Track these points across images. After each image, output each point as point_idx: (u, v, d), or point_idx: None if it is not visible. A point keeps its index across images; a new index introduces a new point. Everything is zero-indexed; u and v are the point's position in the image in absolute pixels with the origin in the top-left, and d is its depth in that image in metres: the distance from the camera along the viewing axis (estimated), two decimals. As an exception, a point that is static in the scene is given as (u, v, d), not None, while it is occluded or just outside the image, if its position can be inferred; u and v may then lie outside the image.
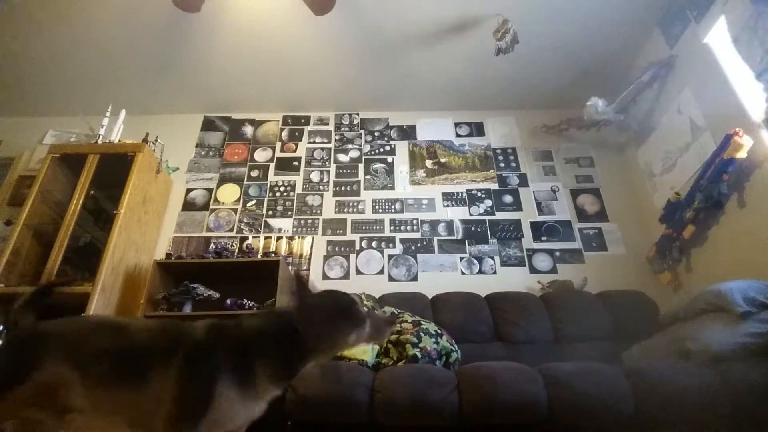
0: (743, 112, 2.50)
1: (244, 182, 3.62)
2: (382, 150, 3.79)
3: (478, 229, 3.37)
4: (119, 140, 3.26)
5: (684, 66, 2.99)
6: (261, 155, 3.77)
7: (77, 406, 1.19)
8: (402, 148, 3.80)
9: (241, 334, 1.19)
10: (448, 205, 3.49)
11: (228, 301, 2.79)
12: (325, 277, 3.15)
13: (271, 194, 3.55)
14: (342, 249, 3.29)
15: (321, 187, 3.59)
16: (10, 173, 3.53)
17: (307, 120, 3.95)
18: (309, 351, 1.19)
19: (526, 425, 1.77)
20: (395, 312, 2.57)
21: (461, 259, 3.25)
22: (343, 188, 3.58)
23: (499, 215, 3.44)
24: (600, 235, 3.34)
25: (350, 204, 3.50)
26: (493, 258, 3.25)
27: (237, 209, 3.48)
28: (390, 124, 3.93)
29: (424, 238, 3.34)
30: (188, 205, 3.52)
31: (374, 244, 3.32)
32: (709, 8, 2.74)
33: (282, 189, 3.58)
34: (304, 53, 3.34)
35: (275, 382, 1.17)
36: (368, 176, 3.65)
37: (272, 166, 3.70)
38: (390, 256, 3.26)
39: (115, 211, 2.87)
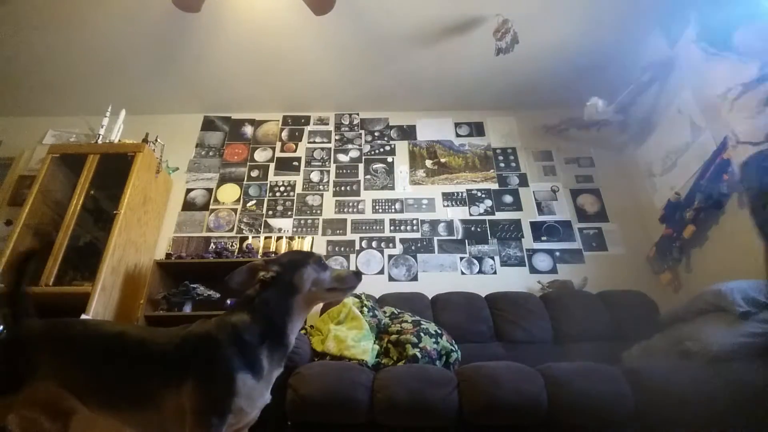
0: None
1: (244, 182, 3.62)
2: (382, 150, 3.79)
3: (478, 229, 3.37)
4: (119, 140, 3.26)
5: (684, 66, 2.99)
6: (261, 155, 3.77)
7: (80, 410, 1.20)
8: (402, 148, 3.80)
9: (235, 325, 1.22)
10: (448, 205, 3.49)
11: (228, 301, 2.79)
12: (325, 277, 3.15)
13: (271, 194, 3.55)
14: (342, 249, 3.29)
15: (321, 187, 3.59)
16: (10, 173, 3.53)
17: (307, 120, 3.95)
18: (288, 308, 1.27)
19: (526, 425, 1.78)
20: (395, 311, 2.57)
21: (461, 259, 3.25)
22: (343, 188, 3.58)
23: (499, 215, 3.44)
24: (600, 235, 3.34)
25: (350, 204, 3.50)
26: (493, 258, 3.25)
27: (237, 209, 3.49)
28: (390, 124, 3.93)
29: (424, 238, 3.34)
30: (188, 205, 3.52)
31: (374, 244, 3.32)
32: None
33: (282, 189, 3.58)
34: (304, 53, 3.33)
35: (276, 361, 1.24)
36: (368, 176, 3.65)
37: (272, 166, 3.70)
38: (390, 256, 3.26)
39: (115, 211, 2.87)
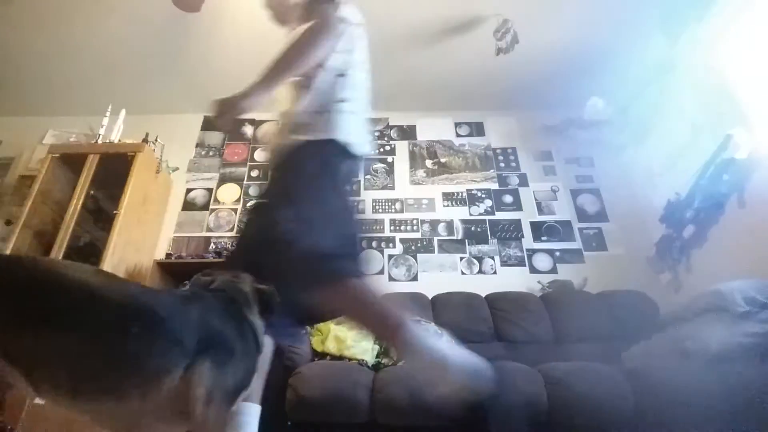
0: (743, 112, 2.50)
1: (244, 182, 3.62)
2: (382, 150, 3.79)
3: (478, 229, 3.37)
4: (119, 140, 3.26)
5: (684, 66, 2.99)
6: (261, 155, 3.76)
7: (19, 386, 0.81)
8: (402, 148, 3.80)
9: (234, 301, 1.07)
10: (448, 205, 3.49)
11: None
12: (325, 277, 3.15)
13: (271, 194, 3.55)
14: (342, 249, 3.29)
15: (321, 187, 3.58)
16: (10, 173, 3.53)
17: (307, 120, 3.95)
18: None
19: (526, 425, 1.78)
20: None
21: (461, 259, 3.25)
22: (343, 188, 3.57)
23: (499, 215, 3.44)
24: (600, 235, 3.34)
25: (350, 204, 3.49)
26: (493, 258, 3.25)
27: (237, 209, 3.48)
28: (390, 124, 3.93)
29: (424, 238, 3.34)
30: (188, 205, 3.52)
31: (374, 244, 3.31)
32: (709, 8, 2.74)
33: (282, 189, 3.57)
34: (304, 53, 3.33)
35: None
36: (368, 176, 3.64)
37: (272, 166, 3.70)
38: (390, 256, 3.26)
39: (115, 211, 2.87)
